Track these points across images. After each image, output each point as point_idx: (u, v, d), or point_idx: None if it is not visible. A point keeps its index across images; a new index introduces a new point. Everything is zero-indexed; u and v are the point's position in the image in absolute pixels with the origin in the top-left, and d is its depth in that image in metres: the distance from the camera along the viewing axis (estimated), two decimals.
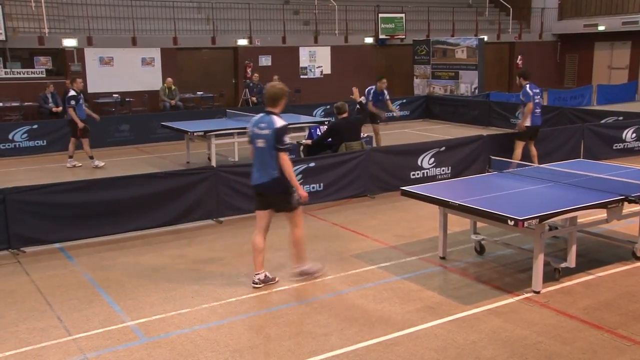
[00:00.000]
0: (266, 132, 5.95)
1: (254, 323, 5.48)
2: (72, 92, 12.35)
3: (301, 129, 12.24)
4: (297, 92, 20.71)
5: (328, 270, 6.62)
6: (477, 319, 5.45)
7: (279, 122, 5.96)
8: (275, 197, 6.09)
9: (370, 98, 12.54)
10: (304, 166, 9.08)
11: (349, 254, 7.18)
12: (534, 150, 10.80)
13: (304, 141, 10.82)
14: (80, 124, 12.37)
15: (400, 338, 5.12)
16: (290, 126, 11.83)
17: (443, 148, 10.42)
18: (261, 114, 6.13)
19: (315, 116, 16.55)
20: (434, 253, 7.08)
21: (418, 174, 10.20)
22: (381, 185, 9.90)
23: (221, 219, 8.68)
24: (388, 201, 9.52)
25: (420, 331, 5.23)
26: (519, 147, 10.65)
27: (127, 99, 18.57)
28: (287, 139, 5.94)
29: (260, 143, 5.99)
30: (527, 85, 10.48)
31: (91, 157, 12.75)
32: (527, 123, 10.49)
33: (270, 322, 5.49)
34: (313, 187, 9.14)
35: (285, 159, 5.90)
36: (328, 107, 16.68)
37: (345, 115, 9.67)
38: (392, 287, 6.22)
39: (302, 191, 6.03)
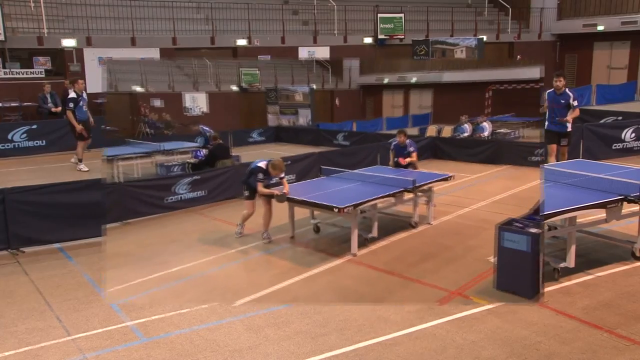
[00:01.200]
0: None
1: (253, 323, 5.47)
2: (72, 94, 12.05)
3: (186, 152, 12.97)
4: None
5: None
6: (477, 318, 5.45)
7: None
8: None
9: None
10: (192, 178, 10.28)
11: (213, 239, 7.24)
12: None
13: (191, 160, 12.51)
14: (78, 127, 12.05)
15: (399, 338, 5.12)
16: (177, 149, 12.70)
17: (289, 162, 11.45)
18: None
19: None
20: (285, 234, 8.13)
21: None
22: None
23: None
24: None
25: (420, 331, 5.23)
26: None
27: None
28: None
29: None
30: (569, 90, 10.07)
31: (80, 160, 12.41)
32: (570, 128, 10.12)
33: (269, 322, 5.49)
34: (198, 194, 10.25)
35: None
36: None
37: (219, 141, 12.23)
38: (257, 260, 7.21)
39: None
